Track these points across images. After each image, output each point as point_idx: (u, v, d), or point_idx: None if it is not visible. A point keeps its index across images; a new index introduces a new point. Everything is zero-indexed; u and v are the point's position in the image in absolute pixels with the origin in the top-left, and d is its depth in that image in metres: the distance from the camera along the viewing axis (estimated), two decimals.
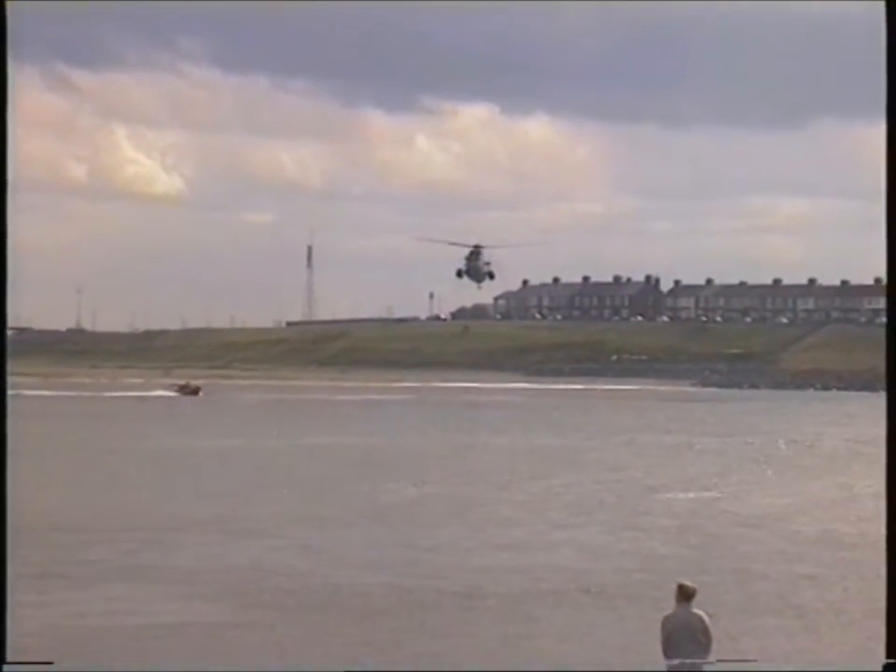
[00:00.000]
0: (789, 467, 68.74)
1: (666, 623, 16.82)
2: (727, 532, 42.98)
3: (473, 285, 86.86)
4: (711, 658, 16.75)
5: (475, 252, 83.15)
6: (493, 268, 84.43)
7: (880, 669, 14.00)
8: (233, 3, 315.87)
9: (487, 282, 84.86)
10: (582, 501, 51.33)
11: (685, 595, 16.84)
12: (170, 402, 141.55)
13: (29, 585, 30.24)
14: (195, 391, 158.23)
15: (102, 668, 25.09)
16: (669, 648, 16.69)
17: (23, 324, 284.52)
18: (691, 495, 54.30)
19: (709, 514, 47.51)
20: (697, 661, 16.64)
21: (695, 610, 16.80)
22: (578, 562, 36.62)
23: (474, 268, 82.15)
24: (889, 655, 14.02)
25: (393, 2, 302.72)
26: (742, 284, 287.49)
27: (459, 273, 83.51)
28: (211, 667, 25.13)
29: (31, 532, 37.93)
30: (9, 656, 13.56)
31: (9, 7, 13.86)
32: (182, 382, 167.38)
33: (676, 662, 16.62)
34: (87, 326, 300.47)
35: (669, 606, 17.24)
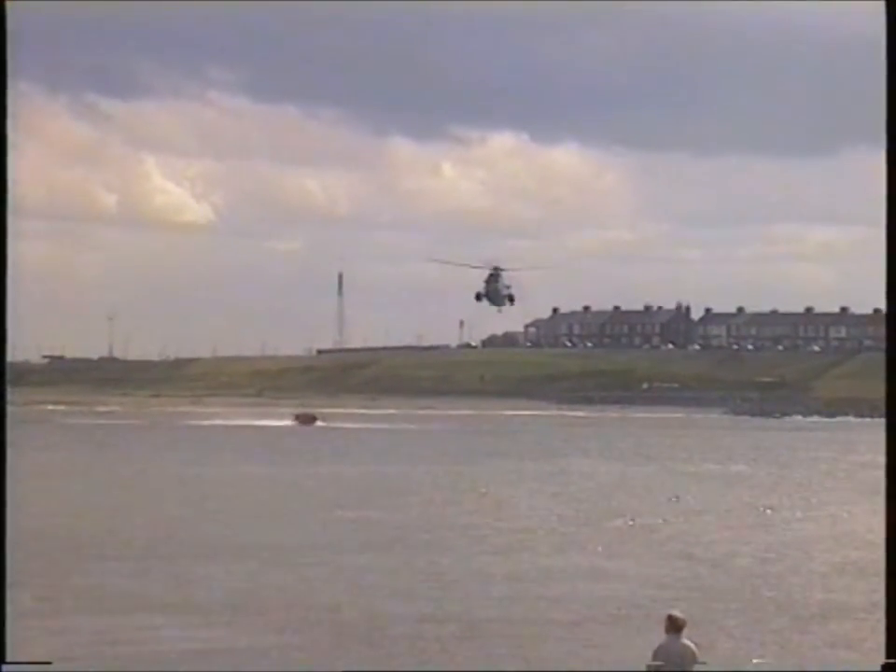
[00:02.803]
0: (856, 491, 68.49)
1: (658, 653, 17.09)
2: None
3: (499, 310, 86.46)
4: None
5: (494, 275, 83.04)
6: (513, 291, 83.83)
7: (879, 669, 14.13)
8: (262, 32, 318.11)
9: (508, 306, 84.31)
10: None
11: (675, 626, 17.12)
12: (288, 432, 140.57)
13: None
14: (312, 420, 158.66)
15: (101, 668, 25.51)
16: None
17: (56, 352, 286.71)
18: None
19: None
20: None
21: (685, 641, 17.11)
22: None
23: (493, 291, 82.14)
24: (889, 655, 14.13)
25: (422, 31, 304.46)
26: (774, 312, 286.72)
27: (478, 297, 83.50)
28: (211, 667, 25.62)
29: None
30: (9, 656, 13.67)
31: (9, 6, 13.78)
32: (300, 411, 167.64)
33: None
34: (119, 354, 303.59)
35: None
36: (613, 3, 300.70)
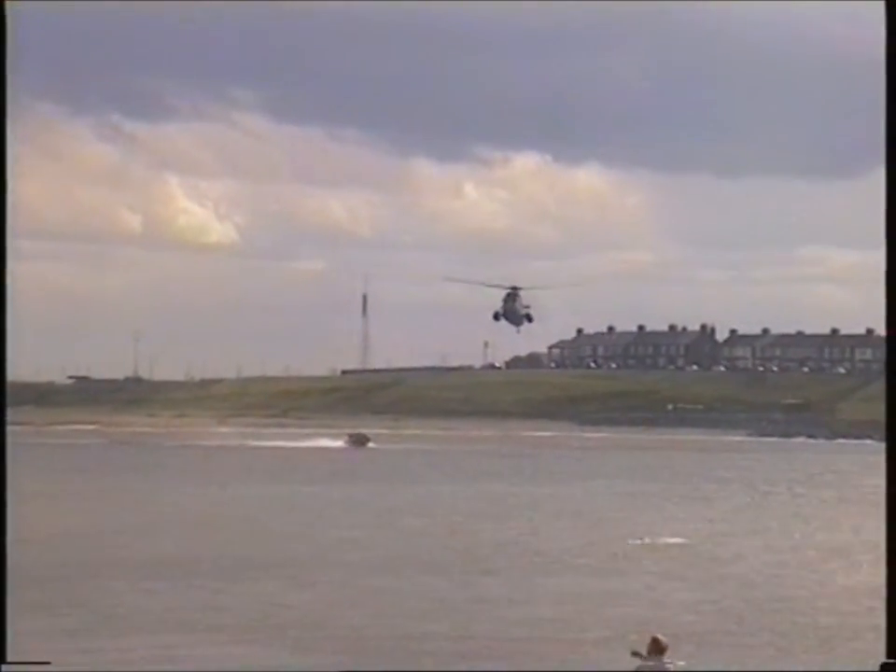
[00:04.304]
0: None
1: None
2: None
3: (518, 330, 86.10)
4: None
5: (512, 294, 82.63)
6: (532, 311, 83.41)
7: (878, 669, 14.19)
8: (285, 52, 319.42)
9: (526, 325, 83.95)
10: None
11: (658, 648, 17.76)
12: (341, 453, 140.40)
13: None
14: (364, 441, 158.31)
15: (100, 668, 25.71)
16: None
17: (82, 373, 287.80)
18: None
19: None
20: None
21: (667, 662, 17.77)
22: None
23: (511, 310, 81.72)
24: (889, 655, 14.21)
25: (445, 52, 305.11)
26: (799, 333, 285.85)
27: (496, 316, 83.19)
28: (211, 667, 25.76)
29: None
30: (10, 656, 13.75)
31: (9, 6, 13.66)
32: (353, 431, 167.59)
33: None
34: (144, 374, 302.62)
35: None
36: (636, 23, 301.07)
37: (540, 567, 45.83)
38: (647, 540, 54.01)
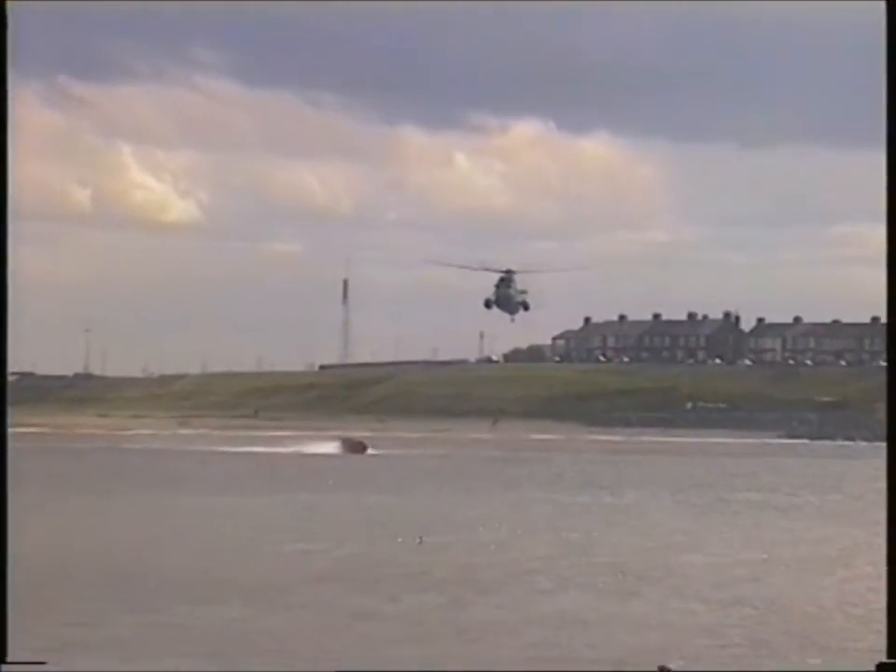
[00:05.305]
0: None
1: None
2: None
3: (512, 318, 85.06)
4: None
5: (505, 279, 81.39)
6: (529, 297, 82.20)
7: (874, 669, 14.64)
8: (254, 8, 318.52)
9: (525, 315, 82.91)
10: None
11: None
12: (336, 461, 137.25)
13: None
14: (361, 448, 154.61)
15: (98, 668, 26.16)
16: None
17: (26, 368, 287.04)
18: None
19: None
20: None
21: None
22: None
23: (504, 297, 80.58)
24: (889, 655, 14.79)
25: (434, 6, 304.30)
26: (835, 322, 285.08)
27: (488, 304, 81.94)
28: (211, 667, 26.11)
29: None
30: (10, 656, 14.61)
31: (10, 6, 14.36)
32: (346, 435, 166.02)
33: None
34: (96, 370, 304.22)
35: None
36: None
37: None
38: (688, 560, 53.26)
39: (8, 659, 15.34)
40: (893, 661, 15.03)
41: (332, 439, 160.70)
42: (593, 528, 65.60)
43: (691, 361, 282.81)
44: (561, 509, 78.23)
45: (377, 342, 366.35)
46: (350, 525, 67.69)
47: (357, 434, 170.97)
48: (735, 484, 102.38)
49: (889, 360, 15.47)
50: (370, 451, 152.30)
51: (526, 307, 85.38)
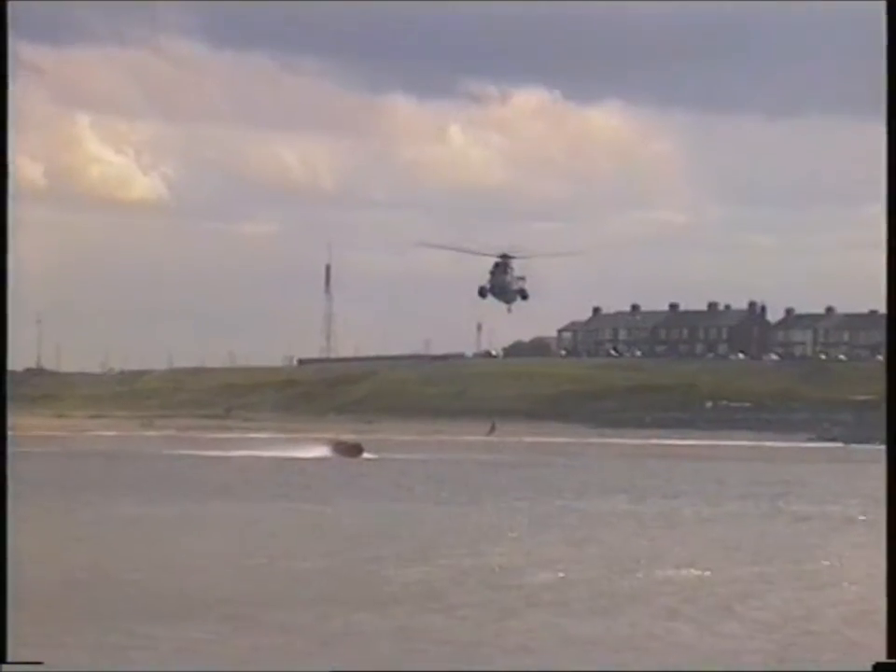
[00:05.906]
0: None
1: None
2: None
3: (509, 308, 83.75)
4: None
5: (501, 264, 79.32)
6: (528, 284, 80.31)
7: (870, 669, 17.14)
8: None
9: (524, 304, 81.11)
10: None
11: None
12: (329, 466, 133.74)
13: None
14: (357, 451, 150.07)
15: (97, 668, 28.48)
16: None
17: None
18: None
19: None
20: None
21: None
22: None
23: (500, 284, 79.15)
24: (889, 655, 16.91)
25: None
26: (872, 313, 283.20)
27: (482, 292, 79.97)
28: (211, 667, 28.30)
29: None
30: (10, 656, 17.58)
31: (9, 6, 16.73)
32: (338, 438, 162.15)
33: None
34: (49, 365, 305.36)
35: None
36: None
37: None
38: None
39: (8, 659, 17.49)
40: (891, 661, 16.38)
41: (322, 441, 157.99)
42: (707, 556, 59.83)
43: (711, 356, 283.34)
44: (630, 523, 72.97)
45: (362, 334, 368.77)
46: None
47: (342, 436, 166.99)
48: (791, 494, 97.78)
49: (889, 360, 15.74)
50: (365, 455, 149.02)
51: (524, 296, 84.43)
